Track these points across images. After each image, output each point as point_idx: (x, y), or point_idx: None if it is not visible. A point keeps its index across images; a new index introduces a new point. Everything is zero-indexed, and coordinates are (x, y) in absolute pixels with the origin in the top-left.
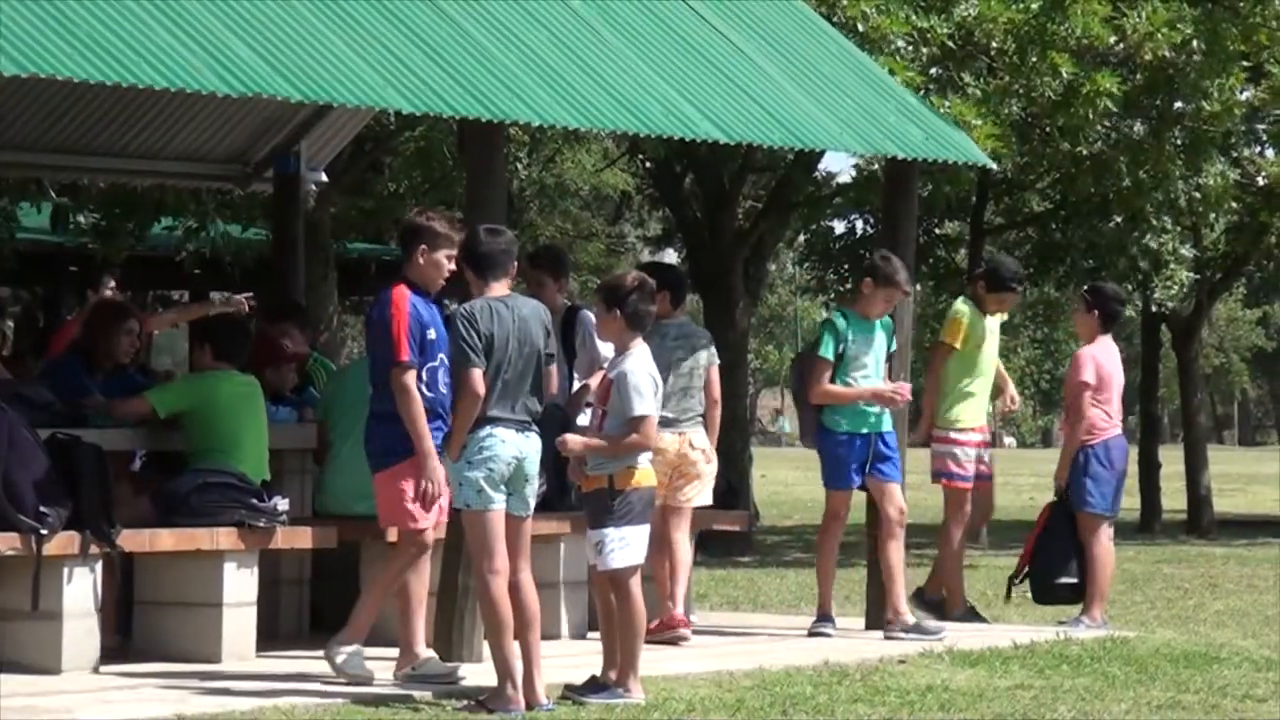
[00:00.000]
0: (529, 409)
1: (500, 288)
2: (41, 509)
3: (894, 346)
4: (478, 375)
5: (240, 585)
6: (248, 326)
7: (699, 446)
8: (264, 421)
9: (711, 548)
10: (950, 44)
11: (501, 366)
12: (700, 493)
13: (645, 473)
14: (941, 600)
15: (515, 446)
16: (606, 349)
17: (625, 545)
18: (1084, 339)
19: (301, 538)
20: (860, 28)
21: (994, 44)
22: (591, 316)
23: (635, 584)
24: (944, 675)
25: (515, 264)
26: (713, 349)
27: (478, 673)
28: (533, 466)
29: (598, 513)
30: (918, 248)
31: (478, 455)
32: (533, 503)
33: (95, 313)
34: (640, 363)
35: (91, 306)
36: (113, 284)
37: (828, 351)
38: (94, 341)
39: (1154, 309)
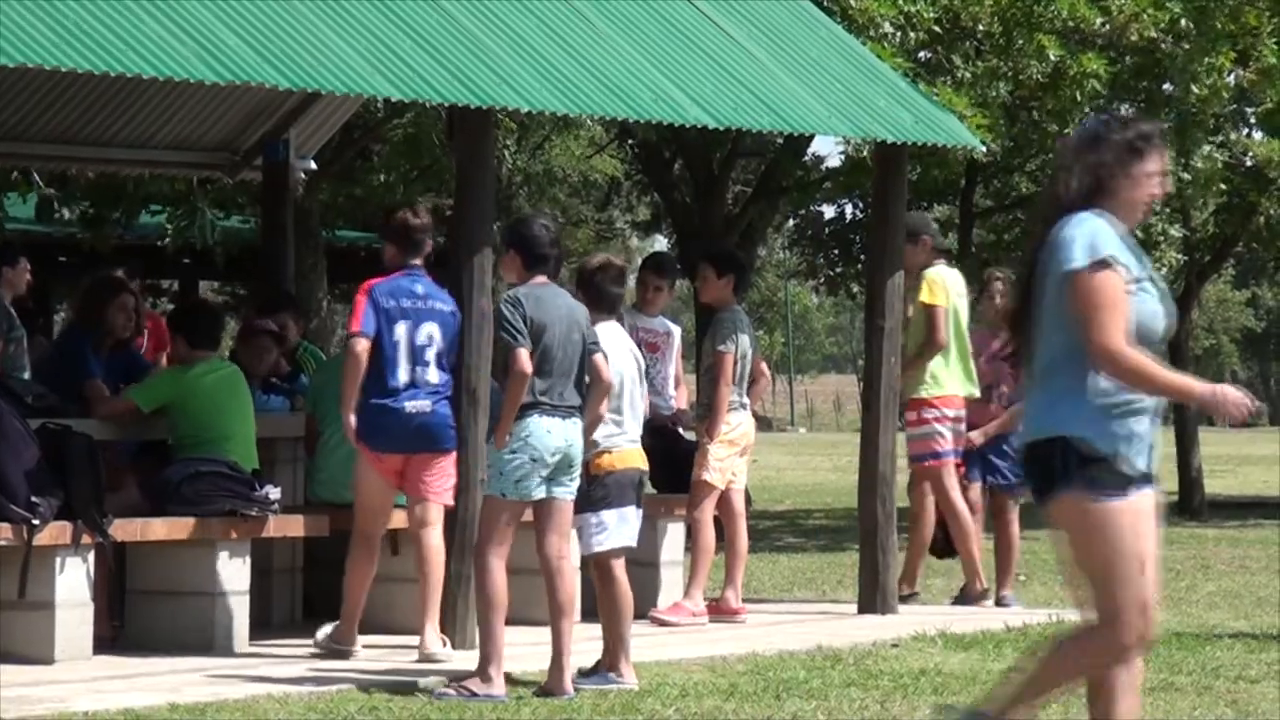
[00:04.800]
0: (574, 397)
1: (542, 279)
2: (33, 499)
3: None
4: (524, 355)
5: (233, 574)
6: (219, 311)
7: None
8: (250, 408)
9: None
10: (937, 28)
11: (550, 352)
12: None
13: (622, 455)
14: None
15: (562, 435)
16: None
17: (604, 529)
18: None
19: (293, 526)
20: (849, 10)
21: (980, 27)
22: None
23: (619, 567)
24: (937, 659)
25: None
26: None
27: (467, 662)
28: (577, 453)
29: (578, 498)
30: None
31: (522, 443)
32: (575, 487)
33: (90, 290)
34: (609, 337)
35: (86, 284)
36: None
37: None
38: (92, 319)
39: None
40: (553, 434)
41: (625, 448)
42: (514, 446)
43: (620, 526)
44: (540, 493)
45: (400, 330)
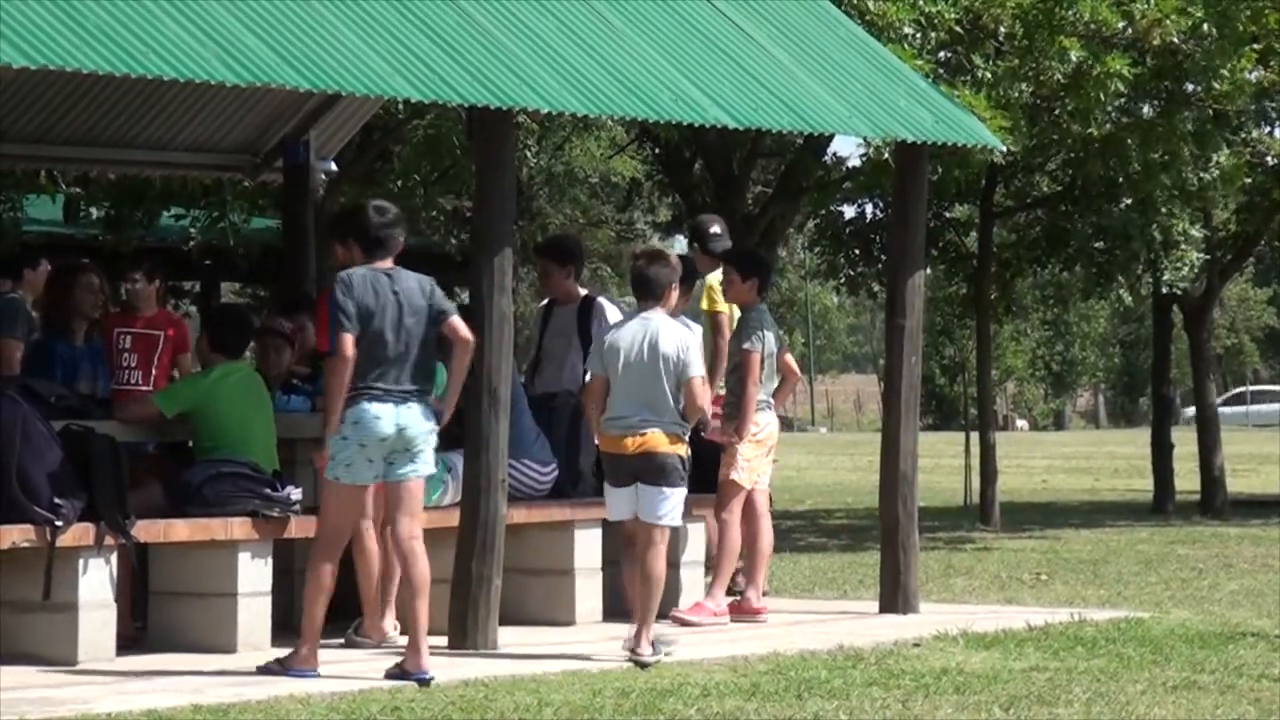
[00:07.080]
0: (414, 381)
1: (384, 264)
2: (56, 501)
3: None
4: (348, 340)
5: (254, 575)
6: (247, 318)
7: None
8: (269, 409)
9: None
10: (958, 29)
11: (381, 337)
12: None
13: (605, 439)
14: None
15: (393, 420)
16: None
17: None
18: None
19: (315, 527)
20: (867, 13)
21: (1002, 29)
22: (608, 304)
23: (653, 545)
24: (959, 658)
25: (400, 241)
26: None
27: (487, 663)
28: (417, 433)
29: None
30: (928, 231)
31: (351, 429)
32: (424, 466)
33: (52, 278)
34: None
35: (48, 273)
36: (138, 276)
37: None
38: (59, 307)
39: (1165, 290)
40: (382, 419)
41: (611, 432)
42: (344, 433)
43: (612, 501)
44: (370, 477)
45: None
